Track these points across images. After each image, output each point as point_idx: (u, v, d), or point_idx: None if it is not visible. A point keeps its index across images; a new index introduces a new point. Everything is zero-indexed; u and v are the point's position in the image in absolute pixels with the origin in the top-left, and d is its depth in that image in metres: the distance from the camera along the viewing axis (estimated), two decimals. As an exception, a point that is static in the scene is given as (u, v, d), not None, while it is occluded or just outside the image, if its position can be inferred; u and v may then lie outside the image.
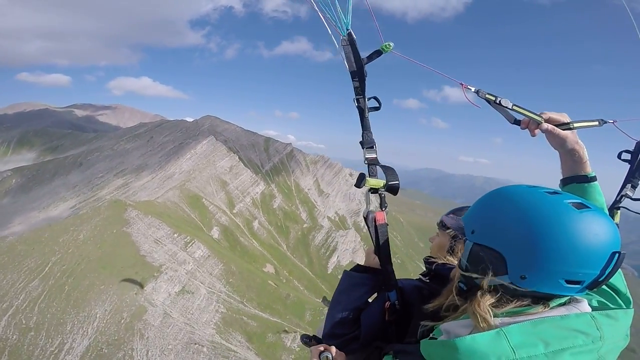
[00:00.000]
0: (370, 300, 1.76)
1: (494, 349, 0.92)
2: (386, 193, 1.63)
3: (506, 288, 1.05)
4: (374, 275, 1.75)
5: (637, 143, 1.98)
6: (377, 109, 1.73)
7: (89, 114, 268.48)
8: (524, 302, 1.05)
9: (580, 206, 1.03)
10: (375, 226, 1.67)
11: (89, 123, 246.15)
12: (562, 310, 1.03)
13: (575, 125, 1.55)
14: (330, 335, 1.70)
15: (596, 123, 1.68)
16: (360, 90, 1.67)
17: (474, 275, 1.10)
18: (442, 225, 1.97)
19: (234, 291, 48.04)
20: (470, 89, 1.55)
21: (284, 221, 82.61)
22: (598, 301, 1.20)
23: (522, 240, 1.01)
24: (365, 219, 1.69)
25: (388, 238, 1.67)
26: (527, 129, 1.56)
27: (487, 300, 1.05)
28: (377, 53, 1.64)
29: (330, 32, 1.62)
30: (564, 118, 1.55)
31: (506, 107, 1.55)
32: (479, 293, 1.08)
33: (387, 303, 1.66)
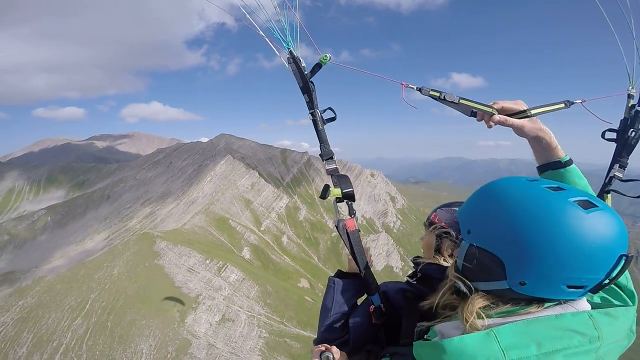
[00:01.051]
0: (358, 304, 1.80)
1: (483, 350, 0.87)
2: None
3: (503, 292, 0.98)
4: (356, 280, 1.79)
5: (621, 120, 1.86)
6: (333, 119, 1.75)
7: (109, 145, 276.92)
8: (518, 303, 0.98)
9: (588, 205, 0.91)
10: (347, 233, 1.69)
11: (111, 154, 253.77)
12: (557, 309, 0.95)
13: (533, 112, 1.46)
14: (322, 341, 1.73)
15: (562, 105, 1.55)
16: (311, 105, 1.70)
17: (470, 277, 1.04)
18: (429, 224, 1.88)
19: (273, 312, 47.23)
20: (412, 88, 1.55)
21: (312, 232, 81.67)
22: (600, 297, 1.09)
23: (523, 245, 0.91)
24: (337, 227, 1.70)
25: (361, 243, 1.69)
26: (483, 121, 1.49)
27: (479, 303, 0.99)
28: (318, 66, 1.67)
29: (276, 51, 1.68)
30: (520, 106, 1.45)
31: (452, 102, 1.51)
32: (472, 295, 1.01)
33: (371, 307, 1.68)
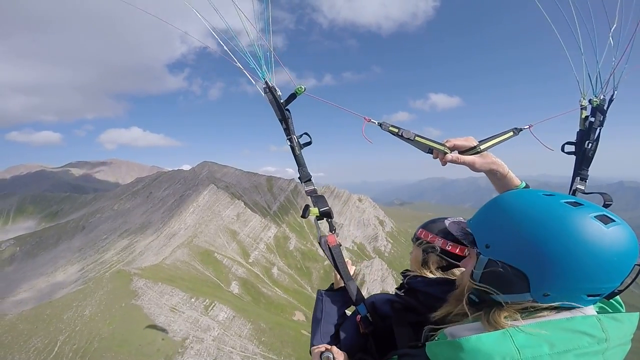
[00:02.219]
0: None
1: (499, 348, 0.91)
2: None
3: (524, 302, 1.01)
4: (343, 292, 1.87)
5: (578, 132, 1.90)
6: (309, 143, 1.86)
7: (86, 172, 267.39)
8: (534, 310, 1.02)
9: (607, 220, 0.97)
10: (329, 248, 1.79)
11: (87, 182, 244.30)
12: (567, 313, 1.00)
13: (483, 147, 1.55)
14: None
15: (510, 134, 1.67)
16: (287, 131, 1.81)
17: (490, 290, 1.05)
18: (415, 239, 2.00)
19: (269, 350, 42.97)
20: (374, 123, 1.63)
21: (304, 262, 78.08)
22: (599, 306, 1.15)
23: (548, 260, 0.94)
24: (319, 243, 1.80)
25: (343, 257, 1.80)
26: (438, 158, 1.58)
27: (504, 314, 1.02)
28: (293, 96, 1.78)
29: (253, 81, 1.79)
30: (470, 142, 1.54)
31: (409, 139, 1.58)
32: (495, 307, 1.04)
33: (358, 317, 1.74)
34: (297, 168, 1.87)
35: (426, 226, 1.97)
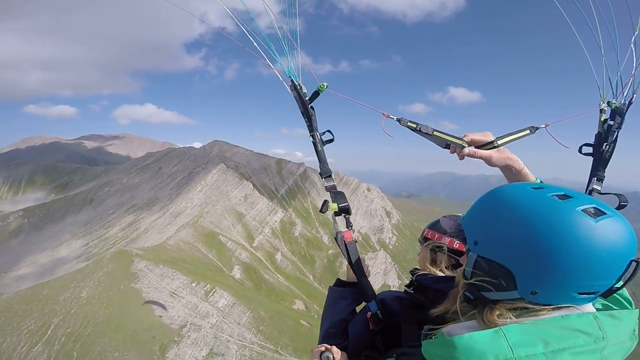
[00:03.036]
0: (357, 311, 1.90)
1: (492, 347, 0.89)
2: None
3: (514, 300, 1.00)
4: (354, 289, 1.86)
5: (596, 135, 1.92)
6: (331, 141, 1.87)
7: (99, 145, 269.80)
8: (528, 308, 1.00)
9: (597, 213, 0.92)
10: (345, 244, 1.80)
11: (100, 154, 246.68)
12: (563, 311, 0.97)
13: (500, 142, 1.60)
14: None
15: (527, 132, 1.71)
16: (311, 128, 1.84)
17: (480, 286, 1.05)
18: (423, 240, 2.07)
19: (267, 339, 42.20)
20: (392, 118, 1.69)
21: (308, 249, 77.06)
22: (602, 304, 1.13)
23: (533, 256, 0.92)
24: (335, 238, 1.82)
25: (358, 253, 1.80)
26: (456, 153, 1.63)
27: (496, 312, 1.01)
28: (316, 94, 1.82)
29: (281, 78, 1.85)
30: (487, 137, 1.59)
31: (427, 133, 1.65)
32: (488, 306, 1.04)
33: (368, 313, 1.76)
34: (312, 153, 1.89)
35: (433, 226, 2.05)
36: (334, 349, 1.51)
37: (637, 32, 1.87)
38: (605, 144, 1.86)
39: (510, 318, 0.98)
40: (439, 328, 1.14)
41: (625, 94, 1.89)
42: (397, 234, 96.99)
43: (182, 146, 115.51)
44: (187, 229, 64.10)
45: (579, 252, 0.88)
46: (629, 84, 1.88)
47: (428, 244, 1.97)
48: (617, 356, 0.96)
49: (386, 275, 73.14)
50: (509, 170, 1.58)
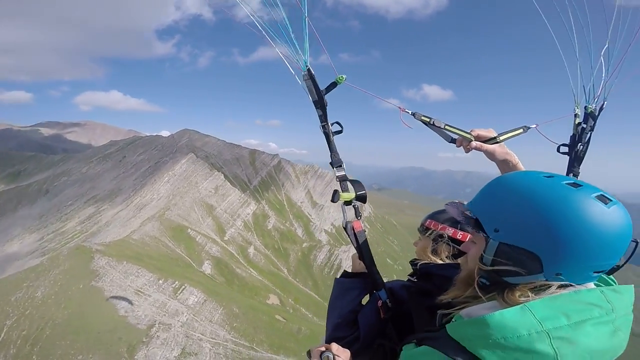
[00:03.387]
0: (363, 302, 1.90)
1: (523, 322, 0.96)
2: (359, 204, 1.84)
3: (536, 282, 1.06)
4: (362, 279, 1.89)
5: (571, 136, 2.14)
6: (340, 132, 1.91)
7: (57, 133, 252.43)
8: (544, 286, 1.07)
9: (605, 200, 1.02)
10: (355, 234, 1.82)
11: (58, 142, 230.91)
12: (572, 289, 1.05)
13: (501, 138, 1.80)
14: (332, 340, 1.73)
15: (520, 131, 1.90)
16: (323, 118, 1.88)
17: (502, 272, 1.09)
18: (424, 230, 2.13)
19: (241, 336, 40.62)
20: (407, 112, 1.81)
21: (281, 243, 75.52)
22: (594, 283, 1.20)
23: (559, 241, 0.99)
24: (345, 228, 1.84)
25: (367, 242, 1.84)
26: (461, 147, 1.82)
27: (517, 292, 1.07)
28: (333, 85, 1.86)
29: (291, 68, 1.85)
30: (491, 133, 1.79)
31: (439, 127, 1.80)
32: (508, 288, 1.09)
33: (379, 302, 1.79)
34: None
35: (433, 216, 2.10)
36: (334, 346, 1.42)
37: (606, 47, 2.11)
38: (580, 144, 2.09)
39: (532, 296, 1.05)
40: (452, 312, 1.22)
41: (597, 101, 2.12)
42: (369, 226, 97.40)
43: (149, 134, 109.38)
44: (153, 223, 60.64)
45: (597, 235, 0.97)
46: (601, 91, 2.12)
47: (430, 234, 2.03)
48: (626, 327, 1.04)
49: None
50: (506, 164, 1.75)
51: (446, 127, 1.78)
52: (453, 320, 1.17)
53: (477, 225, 1.16)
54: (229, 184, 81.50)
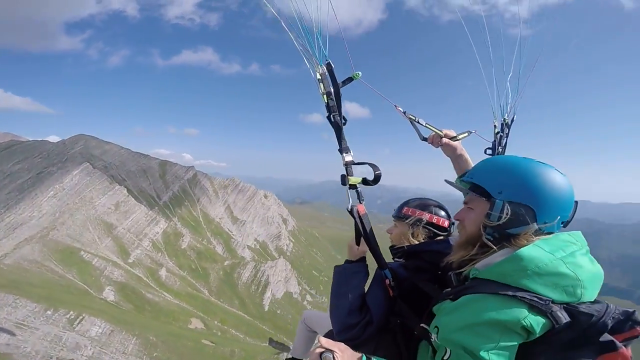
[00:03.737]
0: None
1: (542, 255, 1.30)
2: (362, 187, 1.96)
3: (530, 231, 1.42)
4: (364, 263, 1.99)
5: (492, 142, 2.69)
6: (345, 123, 2.00)
7: None
8: (537, 233, 1.42)
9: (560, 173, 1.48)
10: (360, 217, 1.89)
11: None
12: (552, 234, 1.43)
13: (459, 137, 2.25)
14: (346, 327, 1.81)
15: (466, 134, 2.32)
16: (336, 109, 1.97)
17: (507, 225, 1.42)
18: (403, 217, 2.27)
19: (162, 369, 33.87)
20: (400, 110, 2.22)
21: (199, 262, 67.98)
22: None
23: (546, 196, 1.39)
24: (350, 212, 1.91)
25: (371, 226, 1.94)
26: (431, 143, 2.26)
27: (522, 238, 1.40)
28: (350, 79, 2.00)
29: (306, 61, 2.02)
30: (452, 133, 2.24)
31: (421, 125, 2.21)
32: (512, 237, 1.42)
33: (387, 281, 1.86)
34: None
35: (409, 204, 2.29)
36: (332, 344, 1.37)
37: (511, 74, 2.75)
38: (499, 147, 2.69)
39: (534, 238, 1.39)
40: (464, 270, 1.50)
41: (509, 115, 2.76)
42: (293, 240, 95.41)
43: (32, 140, 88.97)
44: (33, 245, 48.64)
45: (564, 192, 1.41)
46: (511, 108, 2.77)
47: (409, 220, 2.20)
48: (593, 259, 1.38)
49: (287, 282, 70.26)
50: (461, 157, 2.21)
51: (427, 125, 2.21)
52: (470, 275, 1.45)
53: (479, 192, 1.49)
54: (133, 199, 71.01)
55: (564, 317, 1.24)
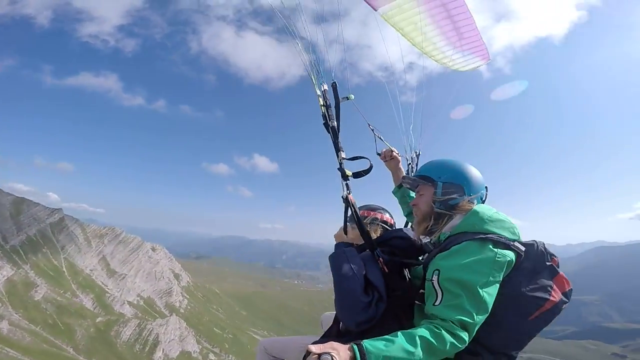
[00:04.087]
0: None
1: (485, 209, 1.88)
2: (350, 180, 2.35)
3: (465, 200, 1.99)
4: (356, 247, 2.16)
5: (406, 171, 3.16)
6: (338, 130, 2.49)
7: None
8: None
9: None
10: (353, 204, 2.23)
11: None
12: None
13: (396, 152, 2.94)
14: (364, 308, 1.81)
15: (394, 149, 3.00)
16: (333, 118, 2.46)
17: (449, 199, 1.99)
18: (362, 218, 2.44)
19: None
20: (370, 126, 2.89)
21: (60, 317, 51.10)
22: None
23: (469, 178, 2.01)
24: (346, 199, 2.26)
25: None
26: (383, 158, 2.91)
27: (462, 206, 1.96)
28: (345, 98, 2.55)
29: (313, 79, 2.57)
30: (395, 149, 2.92)
31: (379, 138, 2.89)
32: (456, 206, 1.98)
33: (380, 259, 2.01)
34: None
35: (363, 207, 2.54)
36: (326, 347, 1.40)
37: (412, 124, 3.43)
38: (411, 173, 3.23)
39: (472, 205, 1.95)
40: (432, 238, 2.09)
41: (417, 150, 3.44)
42: (188, 296, 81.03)
43: None
44: None
45: (480, 178, 2.05)
46: (418, 146, 3.47)
47: (367, 220, 2.49)
48: None
49: (183, 341, 57.81)
50: (400, 170, 2.92)
51: (385, 141, 2.92)
52: (441, 238, 1.99)
53: (426, 180, 2.10)
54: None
55: (521, 248, 1.75)
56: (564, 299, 1.77)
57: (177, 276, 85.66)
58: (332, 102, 2.52)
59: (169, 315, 65.15)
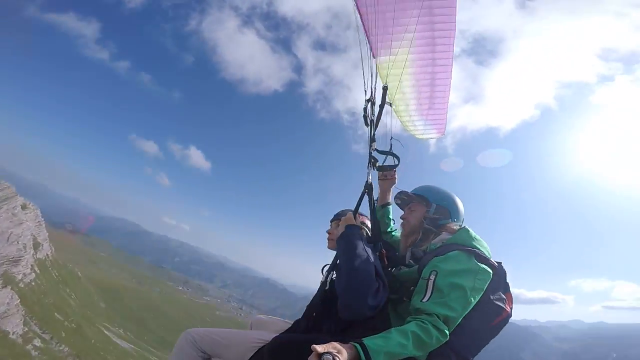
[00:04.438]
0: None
1: (473, 231, 2.25)
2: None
3: (451, 222, 2.48)
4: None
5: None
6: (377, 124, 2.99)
7: None
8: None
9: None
10: (372, 191, 2.63)
11: None
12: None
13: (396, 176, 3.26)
14: (374, 292, 1.80)
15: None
16: (375, 114, 2.96)
17: (438, 218, 2.49)
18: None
19: None
20: (394, 142, 3.19)
21: None
22: None
23: (454, 205, 2.55)
24: (370, 185, 2.62)
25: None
26: (385, 175, 3.17)
27: (448, 227, 2.40)
28: (389, 103, 3.10)
29: (365, 78, 2.99)
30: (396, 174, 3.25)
31: (393, 157, 3.11)
32: (443, 226, 2.46)
33: (383, 251, 2.21)
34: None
35: (354, 211, 2.74)
36: (327, 347, 1.46)
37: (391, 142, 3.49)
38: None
39: (457, 227, 2.41)
40: (423, 246, 2.53)
41: (384, 162, 3.56)
42: (38, 271, 74.90)
43: None
44: None
45: (462, 207, 2.64)
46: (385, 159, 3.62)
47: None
48: None
49: (4, 319, 53.47)
50: (389, 191, 3.23)
51: (394, 155, 3.10)
52: (429, 248, 2.33)
53: (422, 199, 2.59)
54: None
55: (495, 264, 2.11)
56: (511, 312, 2.14)
57: (37, 245, 78.58)
58: (377, 102, 2.99)
59: (1, 286, 60.47)
